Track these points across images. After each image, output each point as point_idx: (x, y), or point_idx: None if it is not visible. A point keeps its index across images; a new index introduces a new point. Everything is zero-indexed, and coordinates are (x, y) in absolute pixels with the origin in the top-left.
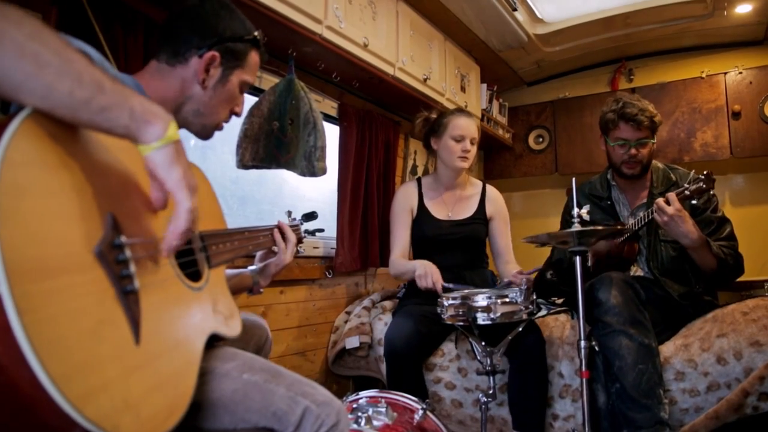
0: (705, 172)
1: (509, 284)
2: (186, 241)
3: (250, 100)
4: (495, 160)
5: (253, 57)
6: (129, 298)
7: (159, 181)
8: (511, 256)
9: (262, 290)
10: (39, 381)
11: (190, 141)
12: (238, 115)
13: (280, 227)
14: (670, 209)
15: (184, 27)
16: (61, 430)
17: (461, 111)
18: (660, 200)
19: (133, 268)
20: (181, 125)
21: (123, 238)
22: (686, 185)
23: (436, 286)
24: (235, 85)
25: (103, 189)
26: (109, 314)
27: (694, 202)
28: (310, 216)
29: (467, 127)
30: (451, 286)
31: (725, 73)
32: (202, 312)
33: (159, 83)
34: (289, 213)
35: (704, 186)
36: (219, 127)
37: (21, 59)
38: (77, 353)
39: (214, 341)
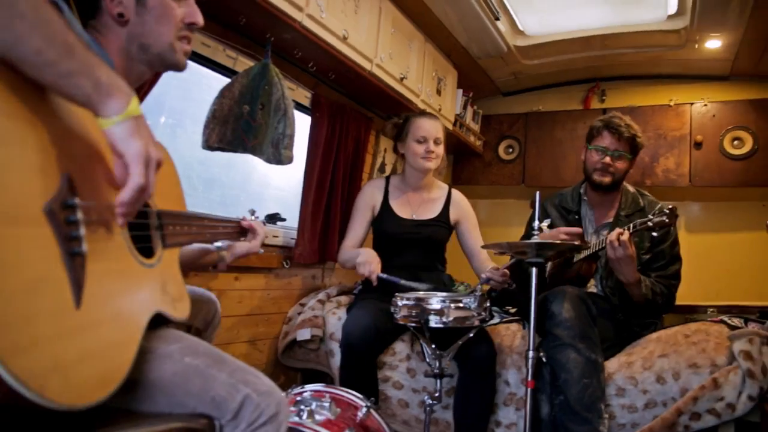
0: (670, 207)
1: (488, 280)
2: (133, 215)
3: (221, 81)
4: (464, 166)
5: None
6: (75, 260)
7: (118, 156)
8: (485, 254)
9: (226, 268)
10: None
11: (160, 118)
12: (194, 23)
13: (244, 224)
14: (619, 251)
15: None
16: None
17: (423, 113)
18: (614, 236)
19: (83, 230)
20: (149, 69)
21: (77, 200)
22: (650, 216)
23: (371, 276)
24: None
25: (65, 150)
26: (51, 273)
27: (654, 234)
28: (273, 217)
29: (429, 128)
30: (385, 276)
31: (692, 104)
32: (150, 289)
33: (103, 41)
34: (253, 212)
35: (667, 221)
36: (176, 49)
37: None
38: (10, 305)
39: (160, 322)
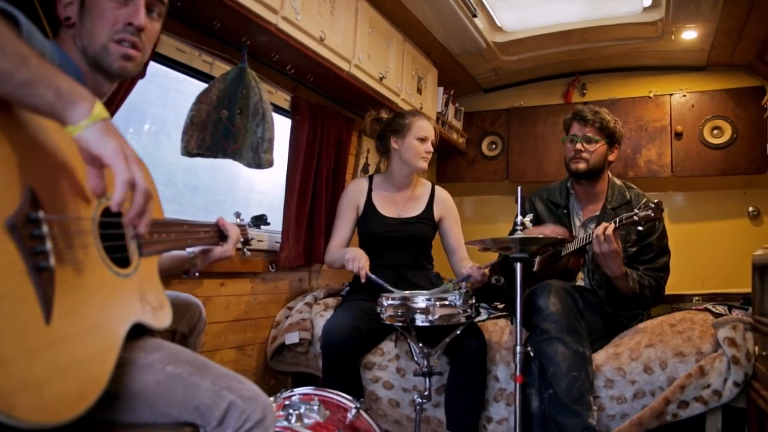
0: (656, 201)
1: (468, 277)
2: (148, 218)
3: (198, 87)
4: (448, 163)
5: None
6: (42, 275)
7: (95, 159)
8: (465, 252)
9: (198, 274)
10: None
11: (144, 126)
12: (131, 24)
13: (220, 224)
14: (605, 246)
15: None
16: None
17: (422, 114)
18: (599, 231)
19: (49, 245)
20: (103, 76)
21: (41, 213)
22: (636, 210)
23: (360, 272)
24: None
25: (29, 163)
26: (16, 289)
27: (640, 228)
28: (259, 219)
29: (430, 129)
30: (374, 277)
31: (671, 95)
32: (127, 299)
33: (66, 49)
34: (238, 214)
35: (652, 215)
36: (110, 51)
37: None
38: None
39: (140, 332)
